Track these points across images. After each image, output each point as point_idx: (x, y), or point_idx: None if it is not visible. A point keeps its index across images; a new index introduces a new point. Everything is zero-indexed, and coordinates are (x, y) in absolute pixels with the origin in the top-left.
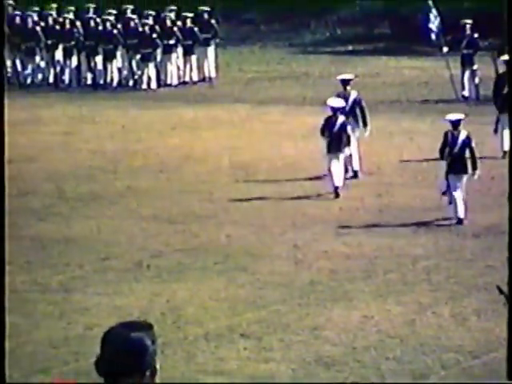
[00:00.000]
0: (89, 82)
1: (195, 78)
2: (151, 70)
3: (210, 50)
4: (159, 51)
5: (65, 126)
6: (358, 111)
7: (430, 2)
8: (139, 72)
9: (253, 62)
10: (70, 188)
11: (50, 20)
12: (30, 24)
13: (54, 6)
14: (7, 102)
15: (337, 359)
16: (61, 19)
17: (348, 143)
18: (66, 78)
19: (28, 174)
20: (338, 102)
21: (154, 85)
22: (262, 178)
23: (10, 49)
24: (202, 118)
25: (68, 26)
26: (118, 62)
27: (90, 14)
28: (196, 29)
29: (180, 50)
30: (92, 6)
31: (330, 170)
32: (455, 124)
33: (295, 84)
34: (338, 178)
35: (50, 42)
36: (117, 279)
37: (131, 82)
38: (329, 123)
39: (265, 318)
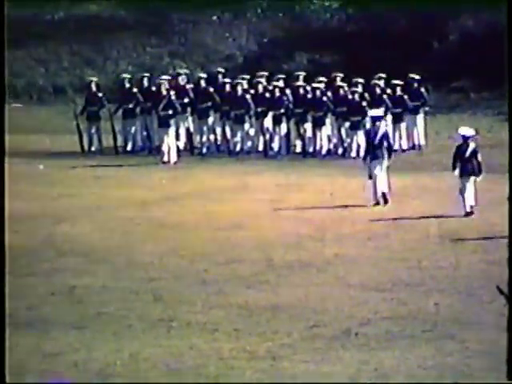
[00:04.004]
0: (298, 149)
1: (404, 145)
2: (360, 137)
3: (420, 118)
4: (368, 119)
5: (272, 193)
6: (385, 144)
7: None
8: (348, 140)
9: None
10: (278, 256)
11: (260, 88)
12: (240, 92)
13: (265, 73)
14: (217, 168)
15: None
16: (270, 87)
17: (479, 169)
18: (276, 145)
19: (236, 241)
20: (469, 131)
21: (363, 153)
22: (470, 246)
23: (220, 116)
24: (411, 185)
25: (277, 93)
26: (327, 130)
27: (300, 82)
28: (406, 97)
29: (389, 117)
30: (302, 73)
31: (461, 193)
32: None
33: (503, 152)
34: (469, 201)
35: (259, 109)
36: (325, 347)
37: (340, 150)
38: (460, 150)
39: None
